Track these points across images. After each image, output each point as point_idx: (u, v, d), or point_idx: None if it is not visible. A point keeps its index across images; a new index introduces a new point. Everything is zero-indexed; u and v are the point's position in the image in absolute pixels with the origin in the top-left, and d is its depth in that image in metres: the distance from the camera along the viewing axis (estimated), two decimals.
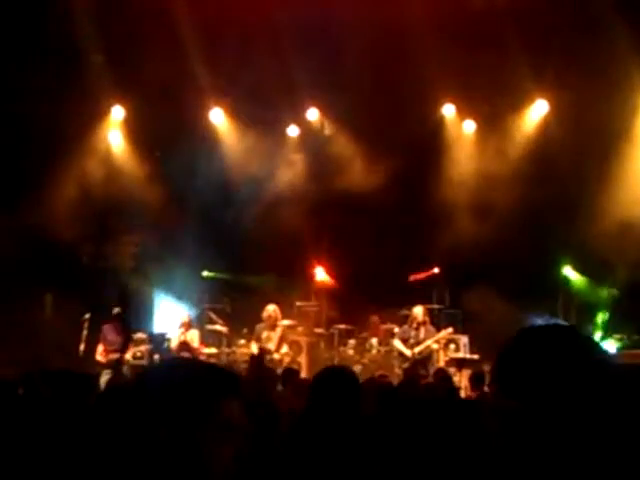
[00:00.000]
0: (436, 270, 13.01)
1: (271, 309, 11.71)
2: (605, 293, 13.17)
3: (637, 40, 11.17)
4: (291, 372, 8.31)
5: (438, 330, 11.69)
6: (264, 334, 11.61)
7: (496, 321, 10.92)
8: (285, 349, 11.66)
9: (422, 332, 11.67)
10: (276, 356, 11.43)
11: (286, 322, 12.08)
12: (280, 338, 11.63)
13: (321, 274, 13.88)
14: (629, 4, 11.11)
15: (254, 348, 11.49)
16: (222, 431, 1.70)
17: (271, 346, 11.49)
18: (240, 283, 13.64)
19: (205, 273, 13.90)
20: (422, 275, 12.90)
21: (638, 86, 12.24)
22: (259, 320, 11.77)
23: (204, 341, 12.31)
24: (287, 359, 11.66)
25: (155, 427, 1.68)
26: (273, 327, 11.64)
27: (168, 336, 12.74)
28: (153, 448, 1.68)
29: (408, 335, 11.70)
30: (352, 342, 12.82)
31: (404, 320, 12.06)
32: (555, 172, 12.31)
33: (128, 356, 11.59)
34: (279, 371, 11.10)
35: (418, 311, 11.80)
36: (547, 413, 1.57)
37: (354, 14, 11.79)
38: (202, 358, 12.03)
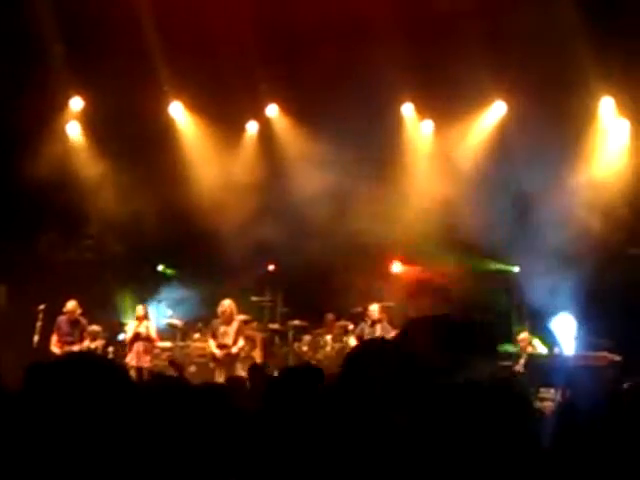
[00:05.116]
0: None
1: (227, 304, 11.66)
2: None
3: (595, 44, 11.24)
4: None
5: (394, 328, 11.75)
6: (221, 329, 11.59)
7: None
8: (241, 343, 11.65)
9: (378, 329, 11.76)
10: (234, 350, 11.45)
11: (241, 317, 12.07)
12: (236, 332, 11.61)
13: None
14: (589, 8, 11.19)
15: (212, 344, 11.49)
16: None
17: (228, 341, 11.50)
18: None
19: (161, 268, 13.90)
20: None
21: (595, 89, 12.32)
22: (214, 314, 11.78)
23: (159, 334, 12.29)
24: (243, 354, 11.69)
25: None
26: (229, 322, 11.62)
27: (126, 328, 12.72)
28: None
29: (364, 332, 11.78)
30: (307, 338, 12.86)
31: (358, 318, 12.12)
32: (512, 173, 12.36)
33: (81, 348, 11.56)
34: (238, 366, 11.26)
35: (374, 309, 11.89)
36: None
37: (315, 11, 11.78)
38: (156, 351, 12.13)
